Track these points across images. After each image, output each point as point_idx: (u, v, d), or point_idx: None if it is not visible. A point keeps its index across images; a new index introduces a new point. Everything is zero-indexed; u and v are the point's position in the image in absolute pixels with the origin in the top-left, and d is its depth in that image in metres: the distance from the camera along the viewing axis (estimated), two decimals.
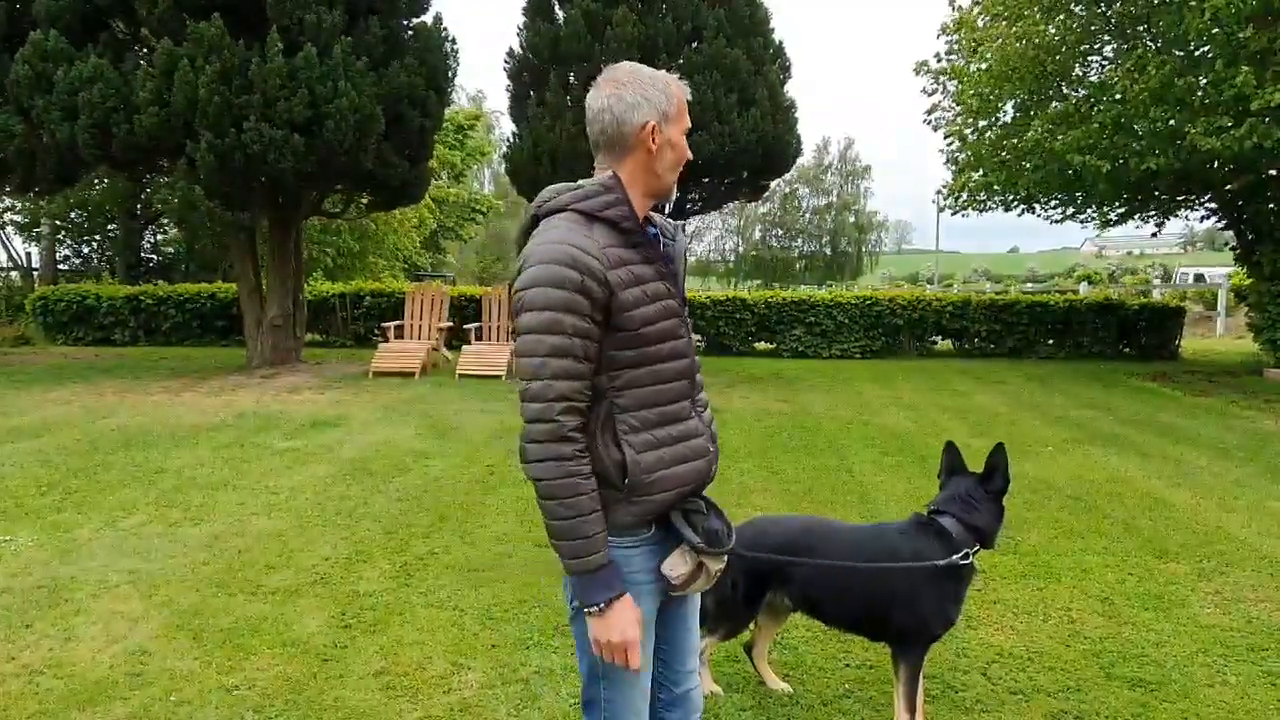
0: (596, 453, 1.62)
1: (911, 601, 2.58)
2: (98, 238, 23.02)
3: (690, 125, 1.76)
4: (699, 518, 1.71)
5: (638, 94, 1.66)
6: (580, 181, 1.69)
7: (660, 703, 1.91)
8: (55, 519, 5.01)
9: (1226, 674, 3.19)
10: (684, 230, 1.93)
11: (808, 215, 51.32)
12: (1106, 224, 15.03)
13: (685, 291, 1.84)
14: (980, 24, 13.28)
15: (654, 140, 1.66)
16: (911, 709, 2.63)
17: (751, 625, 3.03)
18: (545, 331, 1.56)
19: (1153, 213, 14.56)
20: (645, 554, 1.69)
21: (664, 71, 1.73)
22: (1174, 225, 15.30)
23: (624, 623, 1.60)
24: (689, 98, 1.76)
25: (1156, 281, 34.14)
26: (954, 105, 14.48)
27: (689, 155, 1.76)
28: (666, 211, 1.95)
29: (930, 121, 14.98)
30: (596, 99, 1.68)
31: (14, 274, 22.28)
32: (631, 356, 1.63)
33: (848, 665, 3.26)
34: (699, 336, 15.59)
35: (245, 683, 3.07)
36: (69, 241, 23.03)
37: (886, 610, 2.63)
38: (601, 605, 1.59)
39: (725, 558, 1.73)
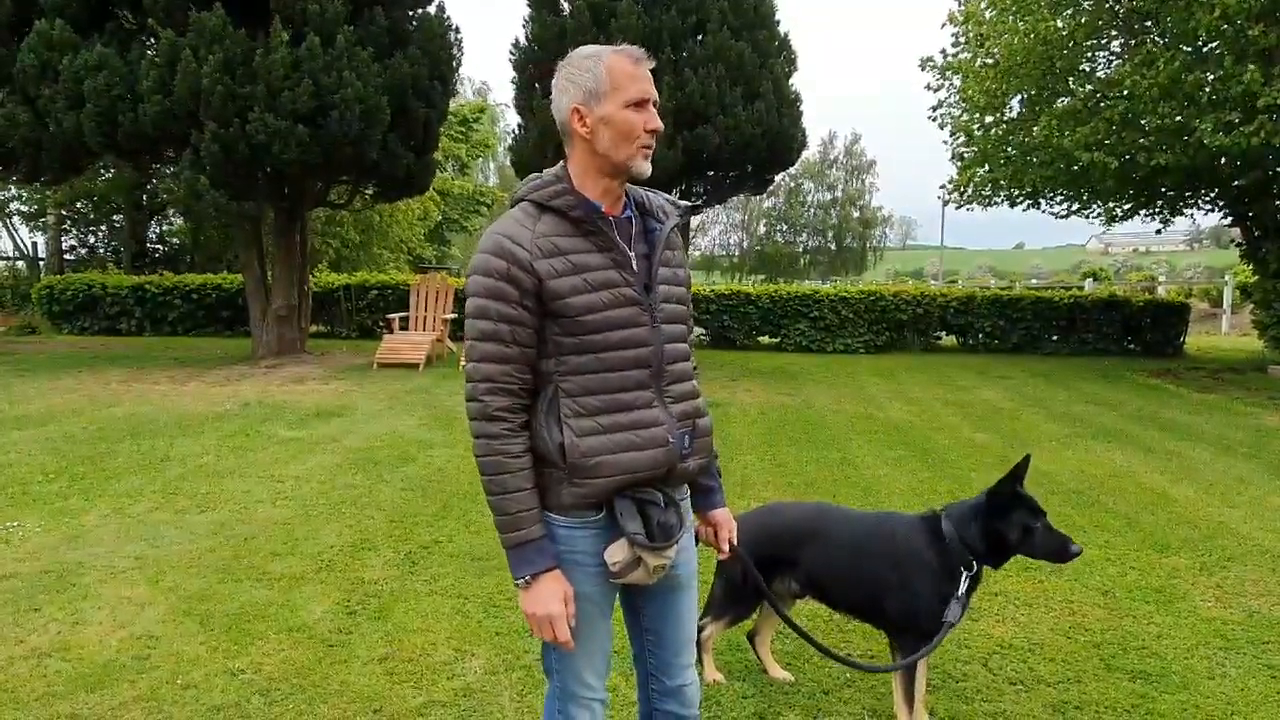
0: (540, 434, 1.67)
1: (901, 592, 2.59)
2: (103, 228, 23.06)
3: (647, 93, 1.66)
4: (654, 509, 1.68)
5: (565, 79, 1.69)
6: (543, 171, 1.75)
7: (654, 694, 1.91)
8: (62, 505, 5.04)
9: (1226, 666, 3.20)
10: (687, 210, 1.86)
11: (812, 210, 51.28)
12: (1112, 220, 14.99)
13: (674, 277, 1.79)
14: (987, 17, 13.22)
15: (583, 123, 1.66)
16: (909, 699, 2.65)
17: (755, 613, 3.05)
18: (475, 317, 1.65)
19: (1159, 209, 14.52)
20: (591, 537, 1.70)
21: (610, 46, 1.69)
22: (1180, 223, 15.26)
23: (546, 597, 1.63)
24: (644, 64, 1.67)
25: (1161, 278, 34.05)
26: (960, 101, 14.42)
27: (649, 125, 1.66)
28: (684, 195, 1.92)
29: (935, 118, 14.93)
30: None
31: (20, 263, 22.35)
32: (574, 343, 1.65)
33: (849, 655, 3.27)
34: (702, 330, 15.59)
35: (251, 667, 3.10)
36: (74, 231, 23.06)
37: (882, 598, 2.65)
38: (526, 579, 1.64)
39: (666, 554, 1.70)
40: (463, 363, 9.69)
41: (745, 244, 51.83)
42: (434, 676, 3.04)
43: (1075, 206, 14.67)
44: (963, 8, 13.77)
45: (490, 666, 3.11)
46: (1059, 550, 2.50)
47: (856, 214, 50.71)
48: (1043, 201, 14.66)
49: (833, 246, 51.01)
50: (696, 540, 2.05)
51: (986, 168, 13.96)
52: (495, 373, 1.63)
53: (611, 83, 1.64)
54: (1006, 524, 2.51)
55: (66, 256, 22.33)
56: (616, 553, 1.68)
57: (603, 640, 1.80)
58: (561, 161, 1.75)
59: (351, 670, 3.09)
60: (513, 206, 1.74)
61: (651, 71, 1.71)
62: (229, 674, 3.05)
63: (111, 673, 3.04)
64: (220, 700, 2.87)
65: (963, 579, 2.50)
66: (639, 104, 1.65)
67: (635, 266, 1.71)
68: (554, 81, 1.71)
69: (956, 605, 2.48)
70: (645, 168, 1.69)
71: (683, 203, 1.85)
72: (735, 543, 2.00)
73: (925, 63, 14.56)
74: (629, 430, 1.67)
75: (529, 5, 12.24)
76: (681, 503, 1.84)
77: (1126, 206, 14.44)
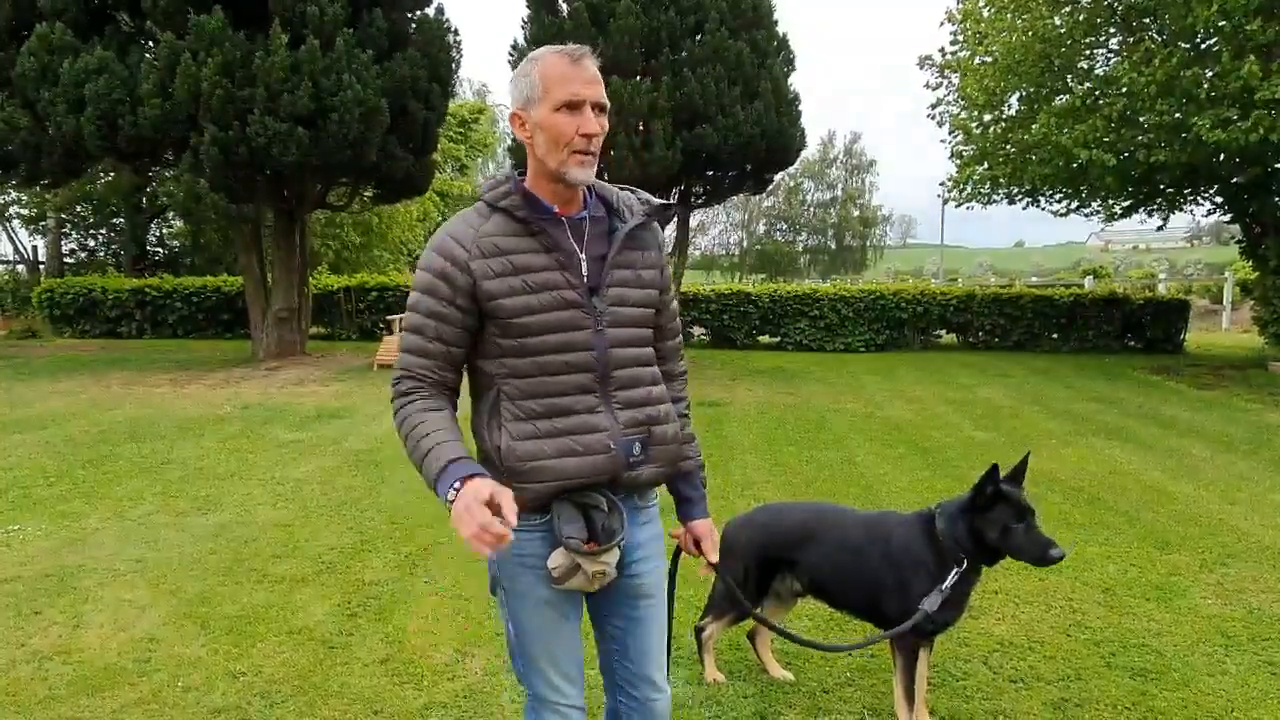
0: (482, 434, 1.69)
1: (899, 593, 2.59)
2: (103, 231, 23.08)
3: (579, 95, 1.57)
4: (597, 514, 1.65)
5: (512, 83, 1.68)
6: (499, 171, 1.77)
7: (622, 707, 1.87)
8: (63, 509, 5.05)
9: (1226, 663, 3.20)
10: (657, 209, 1.77)
11: (812, 209, 51.26)
12: (1112, 217, 15.01)
13: (635, 279, 1.71)
14: (985, 15, 13.24)
15: (524, 128, 1.64)
16: (909, 697, 2.65)
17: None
18: (409, 309, 1.68)
19: (1158, 206, 14.52)
20: (538, 540, 1.68)
21: (557, 47, 1.63)
22: (1180, 219, 15.32)
23: (472, 493, 1.45)
24: (584, 63, 1.60)
25: (1162, 275, 34.07)
26: (958, 99, 14.44)
27: (582, 129, 1.58)
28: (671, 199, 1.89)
29: (934, 116, 14.95)
30: None
31: (20, 267, 22.38)
32: (513, 345, 1.63)
33: (849, 654, 3.27)
34: (703, 330, 15.60)
35: (252, 669, 3.10)
36: (75, 234, 23.09)
37: (880, 598, 2.65)
38: (455, 487, 1.47)
39: (604, 560, 1.64)
40: None
41: (745, 243, 51.80)
42: (435, 678, 3.04)
43: (1074, 204, 14.68)
44: (961, 6, 13.78)
45: (491, 668, 3.12)
46: (1039, 554, 2.44)
47: (856, 213, 50.68)
48: (1042, 199, 14.67)
49: (832, 245, 50.98)
50: (679, 550, 2.02)
51: (985, 166, 13.98)
52: (414, 364, 1.66)
53: (543, 86, 1.59)
54: (986, 522, 2.49)
55: (66, 260, 22.35)
56: (556, 558, 1.65)
57: (568, 643, 1.75)
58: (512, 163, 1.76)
59: (352, 672, 3.09)
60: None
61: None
62: (230, 676, 3.05)
63: (112, 676, 3.05)
64: (221, 703, 2.88)
65: (951, 574, 2.47)
66: (571, 106, 1.58)
67: (585, 269, 1.66)
68: None
69: (936, 595, 2.45)
70: (580, 174, 1.62)
71: (656, 201, 1.77)
72: (714, 557, 1.97)
73: (924, 61, 14.58)
74: (567, 436, 1.63)
75: (528, 6, 12.24)
76: (644, 510, 1.80)
77: (1125, 204, 14.45)
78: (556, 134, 1.59)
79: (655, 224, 1.79)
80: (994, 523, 2.47)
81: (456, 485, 1.48)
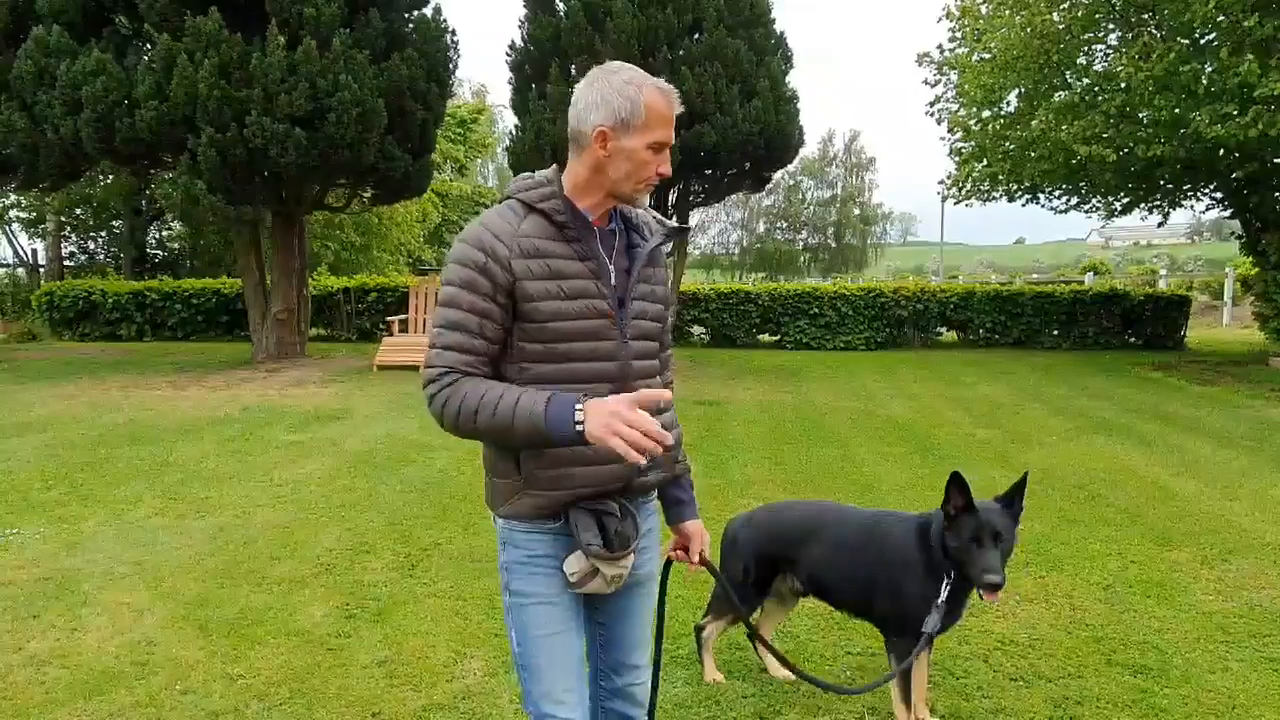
0: None
1: (892, 593, 2.59)
2: (103, 233, 23.07)
3: (669, 139, 1.66)
4: (611, 520, 1.67)
5: (600, 94, 1.65)
6: (536, 172, 1.74)
7: (602, 691, 1.91)
8: (61, 512, 5.04)
9: (1228, 660, 3.19)
10: (674, 231, 1.85)
11: (812, 207, 51.22)
12: (1112, 214, 14.98)
13: (651, 294, 1.78)
14: (983, 11, 13.21)
15: (604, 146, 1.64)
16: (906, 698, 2.64)
17: (756, 612, 3.04)
18: (445, 305, 1.64)
19: (1158, 202, 14.50)
20: (551, 543, 1.71)
21: (653, 79, 1.66)
22: (1181, 216, 15.35)
23: (608, 410, 1.45)
24: (676, 107, 1.66)
25: (1163, 271, 34.05)
26: (957, 96, 14.41)
27: (661, 169, 1.66)
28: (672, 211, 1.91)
29: (933, 114, 14.92)
30: (576, 91, 1.70)
31: (20, 270, 22.36)
32: (539, 350, 1.63)
33: (849, 653, 3.27)
34: (702, 329, 15.59)
35: (250, 672, 3.09)
36: (74, 237, 23.08)
37: (874, 598, 2.64)
38: (578, 416, 1.47)
39: (622, 564, 1.68)
40: None
41: (745, 242, 51.76)
42: (433, 679, 3.04)
43: (1074, 200, 14.66)
44: (959, 3, 13.75)
45: (489, 668, 3.11)
46: (975, 575, 2.35)
47: (856, 211, 50.64)
48: (1041, 195, 14.65)
49: (833, 244, 50.94)
50: (669, 560, 2.04)
51: (985, 163, 13.95)
52: (457, 361, 1.60)
53: (646, 120, 1.63)
54: (949, 533, 2.44)
55: (66, 263, 22.34)
56: (574, 563, 1.68)
57: (570, 654, 1.75)
58: (554, 166, 1.74)
59: (350, 674, 3.08)
60: (501, 202, 1.73)
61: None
62: (227, 679, 3.04)
63: (110, 679, 3.04)
64: (219, 705, 2.87)
65: (944, 585, 2.43)
66: (660, 148, 1.65)
67: (614, 279, 1.71)
68: (581, 89, 1.67)
69: (935, 614, 2.40)
70: (645, 200, 1.73)
71: (671, 223, 1.85)
72: (706, 556, 1.99)
73: (922, 58, 14.55)
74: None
75: (525, 6, 12.23)
76: (645, 505, 1.84)
77: (1125, 200, 14.43)
78: (639, 167, 1.65)
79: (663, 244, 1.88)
80: (954, 534, 2.43)
81: (578, 413, 1.46)
